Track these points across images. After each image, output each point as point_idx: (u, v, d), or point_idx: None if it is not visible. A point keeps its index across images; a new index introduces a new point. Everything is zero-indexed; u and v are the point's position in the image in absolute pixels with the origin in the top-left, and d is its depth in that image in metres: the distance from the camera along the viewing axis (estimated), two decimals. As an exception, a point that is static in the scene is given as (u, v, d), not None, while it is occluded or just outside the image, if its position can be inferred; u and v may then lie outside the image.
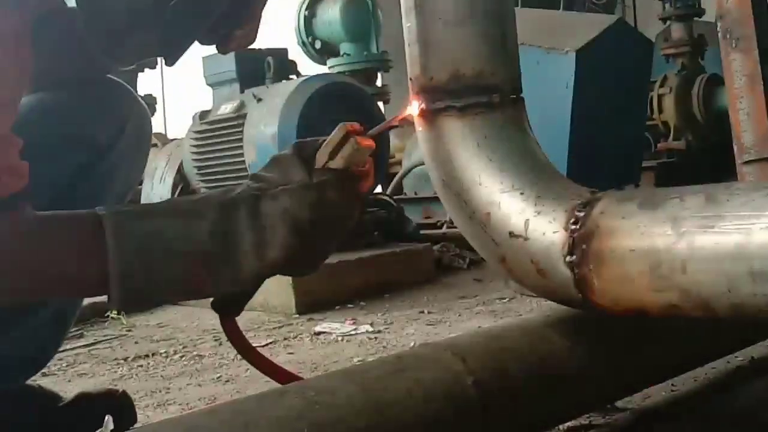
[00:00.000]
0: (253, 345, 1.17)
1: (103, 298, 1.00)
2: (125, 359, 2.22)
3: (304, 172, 1.04)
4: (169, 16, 1.12)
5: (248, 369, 1.96)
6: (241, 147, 3.19)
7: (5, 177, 0.99)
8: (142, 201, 3.70)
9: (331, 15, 4.58)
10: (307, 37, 4.68)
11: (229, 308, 1.13)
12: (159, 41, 1.17)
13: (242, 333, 1.15)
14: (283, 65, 3.40)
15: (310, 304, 2.71)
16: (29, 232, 1.00)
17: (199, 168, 3.41)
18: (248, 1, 1.21)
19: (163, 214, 1.03)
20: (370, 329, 2.34)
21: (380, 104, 4.40)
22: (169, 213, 1.03)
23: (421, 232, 3.71)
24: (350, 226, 1.09)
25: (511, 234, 1.06)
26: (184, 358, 2.18)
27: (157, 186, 3.84)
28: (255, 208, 1.02)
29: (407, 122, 1.14)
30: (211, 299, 1.12)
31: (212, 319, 2.65)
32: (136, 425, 1.45)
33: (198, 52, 1.45)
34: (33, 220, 1.01)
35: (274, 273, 1.05)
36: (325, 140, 1.07)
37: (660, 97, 5.41)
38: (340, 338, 2.27)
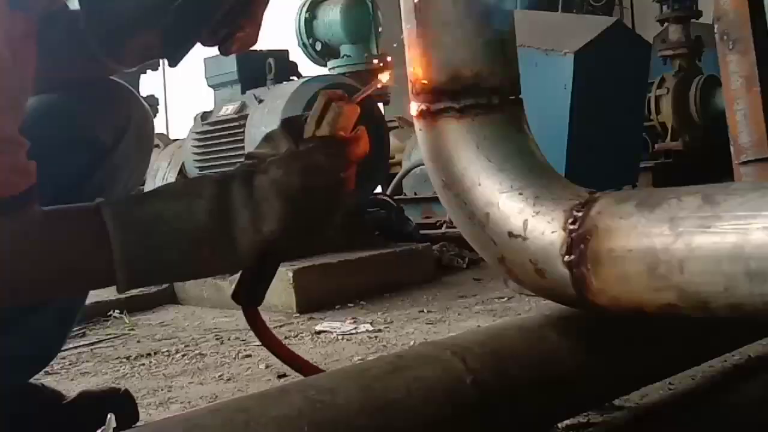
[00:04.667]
0: (267, 340, 1.18)
1: (105, 297, 1.01)
2: (127, 358, 2.23)
3: (291, 142, 1.06)
4: (172, 18, 1.12)
5: (249, 368, 1.98)
6: (242, 148, 3.19)
7: (14, 177, 1.00)
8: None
9: (331, 17, 4.60)
10: (308, 39, 4.70)
11: (249, 299, 1.14)
12: (162, 43, 1.17)
13: (265, 323, 1.16)
14: (283, 66, 3.40)
15: (311, 304, 2.72)
16: (37, 230, 1.01)
17: (201, 168, 3.42)
18: (250, 3, 1.22)
19: (160, 197, 1.05)
20: (371, 328, 2.35)
21: (380, 105, 4.40)
22: (167, 195, 1.05)
23: (421, 232, 3.73)
24: (345, 193, 1.08)
25: (510, 234, 1.07)
26: (185, 357, 2.19)
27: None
28: (248, 183, 1.03)
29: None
30: (232, 292, 1.13)
31: (214, 319, 2.68)
32: (138, 424, 1.46)
33: (200, 54, 1.46)
34: (39, 218, 1.02)
35: (273, 248, 1.05)
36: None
37: (657, 98, 5.43)
38: (340, 337, 2.28)
